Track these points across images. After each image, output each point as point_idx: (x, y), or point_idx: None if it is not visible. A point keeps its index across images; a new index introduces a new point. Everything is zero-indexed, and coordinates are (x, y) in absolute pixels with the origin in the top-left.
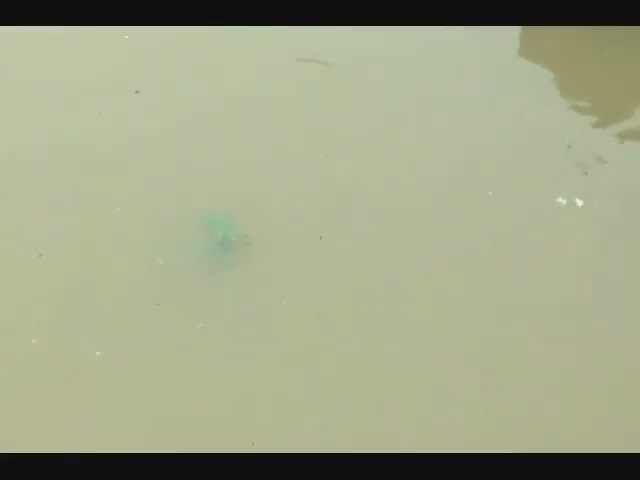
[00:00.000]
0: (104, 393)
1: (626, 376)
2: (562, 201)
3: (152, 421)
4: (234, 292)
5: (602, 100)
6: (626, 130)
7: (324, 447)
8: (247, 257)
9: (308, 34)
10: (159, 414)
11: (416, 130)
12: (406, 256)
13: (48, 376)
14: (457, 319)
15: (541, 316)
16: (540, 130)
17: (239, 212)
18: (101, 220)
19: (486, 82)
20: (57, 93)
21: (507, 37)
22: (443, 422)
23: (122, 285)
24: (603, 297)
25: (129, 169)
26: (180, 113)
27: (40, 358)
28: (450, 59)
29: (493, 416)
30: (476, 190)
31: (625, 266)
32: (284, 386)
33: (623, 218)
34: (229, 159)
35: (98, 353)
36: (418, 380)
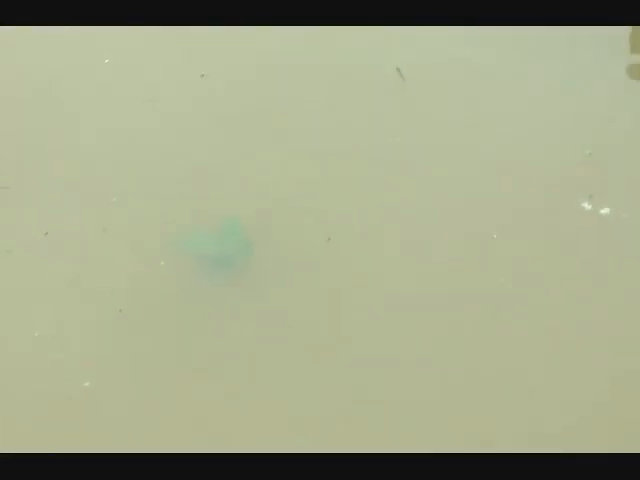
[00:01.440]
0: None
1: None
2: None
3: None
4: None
5: None
6: None
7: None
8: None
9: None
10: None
11: (429, 131)
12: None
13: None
14: (472, 328)
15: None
16: None
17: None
18: (112, 212)
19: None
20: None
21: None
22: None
23: (107, 281)
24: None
25: (153, 166)
26: (202, 117)
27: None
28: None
29: (493, 418)
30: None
31: None
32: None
33: None
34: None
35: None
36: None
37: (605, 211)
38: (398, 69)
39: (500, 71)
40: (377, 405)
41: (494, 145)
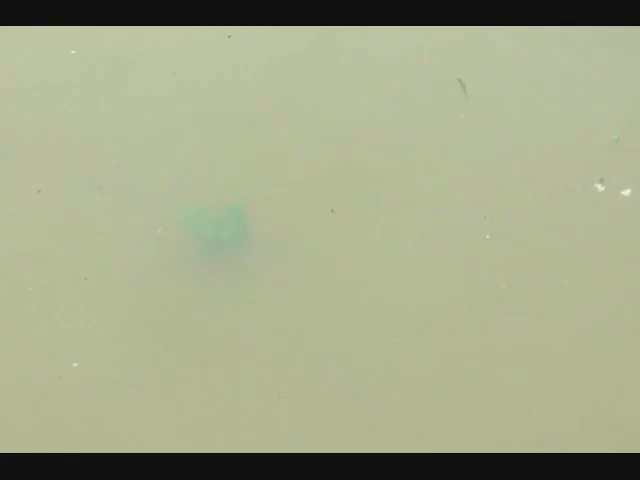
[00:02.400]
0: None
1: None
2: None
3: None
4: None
5: None
6: None
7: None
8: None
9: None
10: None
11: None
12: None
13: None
14: (472, 323)
15: None
16: None
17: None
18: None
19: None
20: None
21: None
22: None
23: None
24: None
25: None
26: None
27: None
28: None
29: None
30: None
31: None
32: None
33: None
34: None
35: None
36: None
37: (626, 192)
38: (460, 80)
39: (523, 61)
40: (377, 404)
41: (510, 132)
